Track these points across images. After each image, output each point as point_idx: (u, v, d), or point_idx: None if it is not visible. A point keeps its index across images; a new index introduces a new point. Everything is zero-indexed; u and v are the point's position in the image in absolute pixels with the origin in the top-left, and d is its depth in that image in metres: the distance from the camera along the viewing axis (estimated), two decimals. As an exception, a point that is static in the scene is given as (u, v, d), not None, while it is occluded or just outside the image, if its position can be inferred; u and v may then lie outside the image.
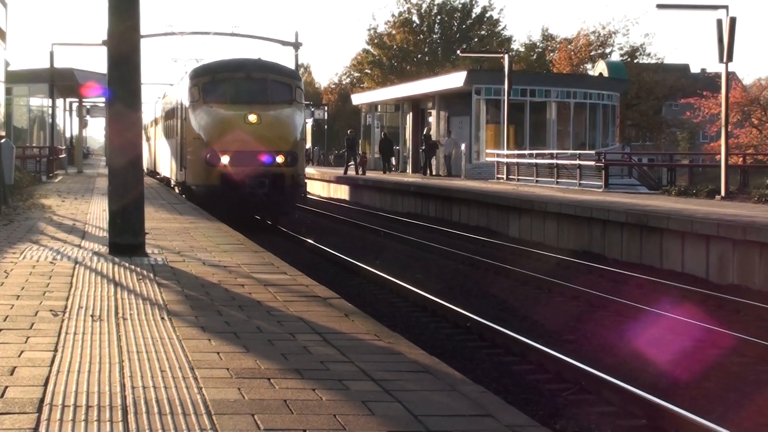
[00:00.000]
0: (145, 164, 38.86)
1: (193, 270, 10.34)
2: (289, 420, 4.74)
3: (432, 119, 45.24)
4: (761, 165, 40.75)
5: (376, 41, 74.51)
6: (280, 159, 22.70)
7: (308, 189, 30.45)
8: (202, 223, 16.66)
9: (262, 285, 9.35)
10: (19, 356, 6.02)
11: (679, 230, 17.39)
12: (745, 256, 15.69)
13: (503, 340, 10.87)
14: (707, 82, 61.49)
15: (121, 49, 11.68)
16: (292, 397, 5.16)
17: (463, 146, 40.22)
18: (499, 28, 74.07)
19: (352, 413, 4.89)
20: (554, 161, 32.71)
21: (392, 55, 73.72)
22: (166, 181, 32.45)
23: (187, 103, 24.49)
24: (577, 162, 30.96)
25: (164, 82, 63.90)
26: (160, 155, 36.21)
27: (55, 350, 6.21)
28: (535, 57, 71.78)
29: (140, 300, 8.30)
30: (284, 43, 44.09)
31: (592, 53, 62.09)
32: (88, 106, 54.00)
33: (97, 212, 18.21)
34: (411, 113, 47.95)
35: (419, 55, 73.48)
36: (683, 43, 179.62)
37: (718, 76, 42.11)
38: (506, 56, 38.84)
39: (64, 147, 47.50)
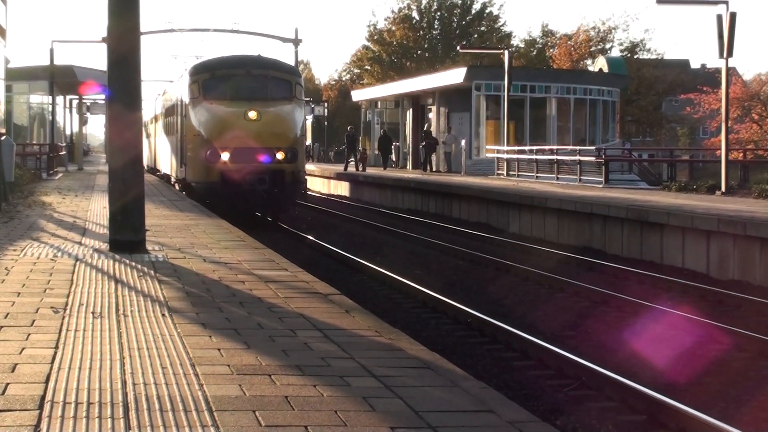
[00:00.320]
0: (145, 161, 38.84)
1: (193, 267, 10.34)
2: (290, 416, 4.74)
3: (432, 115, 45.22)
4: (761, 160, 40.67)
5: (375, 37, 74.44)
6: (280, 155, 22.69)
7: (308, 186, 30.44)
8: (203, 220, 16.66)
9: (263, 281, 9.35)
10: (20, 353, 6.03)
11: (679, 226, 17.39)
12: (746, 252, 15.69)
13: (504, 336, 10.87)
14: (707, 78, 61.41)
15: (121, 50, 11.68)
16: (293, 393, 5.16)
17: (463, 142, 40.21)
18: (499, 24, 73.98)
19: (353, 409, 4.89)
20: (554, 157, 32.71)
21: (392, 51, 73.65)
22: (166, 178, 32.44)
23: (187, 99, 24.48)
24: (578, 158, 30.97)
25: (164, 79, 63.86)
26: (160, 152, 36.20)
27: (56, 347, 6.21)
28: (535, 53, 71.71)
29: (141, 297, 8.30)
30: (284, 40, 44.06)
31: (592, 49, 62.09)
32: (88, 103, 53.97)
33: (97, 209, 18.22)
34: (411, 109, 47.94)
35: (419, 52, 73.42)
36: (683, 39, 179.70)
37: (718, 71, 42.03)
38: (506, 52, 38.83)
39: (64, 144, 47.49)
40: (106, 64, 12.01)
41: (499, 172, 36.67)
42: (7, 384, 5.23)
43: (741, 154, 39.60)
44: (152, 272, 9.82)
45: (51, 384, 5.24)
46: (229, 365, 5.78)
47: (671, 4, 28.33)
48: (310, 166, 42.94)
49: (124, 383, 5.29)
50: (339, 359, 6.03)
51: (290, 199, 24.03)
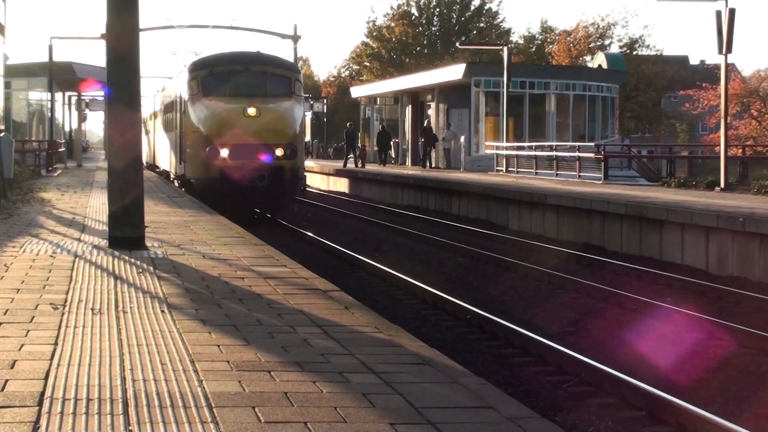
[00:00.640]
0: (144, 158, 38.85)
1: (193, 263, 10.34)
2: (289, 413, 4.74)
3: (431, 112, 45.21)
4: (760, 156, 40.71)
5: (375, 34, 74.46)
6: (279, 152, 22.69)
7: (308, 182, 30.43)
8: (202, 217, 16.66)
9: (262, 278, 9.35)
10: (20, 350, 6.02)
11: (678, 222, 17.39)
12: (745, 248, 15.69)
13: (503, 333, 10.87)
14: (706, 74, 61.41)
15: (121, 49, 11.66)
16: (293, 389, 5.16)
17: (462, 139, 40.21)
18: (498, 20, 74.04)
19: (352, 406, 4.89)
20: (554, 153, 32.70)
21: (391, 47, 73.68)
22: (165, 174, 32.43)
23: (186, 96, 24.47)
24: (577, 154, 30.95)
25: (163, 76, 63.87)
26: (159, 149, 36.20)
27: (56, 344, 6.21)
28: (534, 49, 71.72)
29: (140, 293, 8.30)
30: (283, 36, 44.05)
31: (591, 45, 62.09)
32: (87, 100, 53.94)
33: (96, 206, 18.21)
34: (410, 106, 47.93)
35: (418, 48, 73.45)
36: (682, 35, 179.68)
37: (717, 67, 42.07)
38: (505, 48, 38.79)
39: (63, 141, 47.47)
40: (105, 61, 12.00)
41: (498, 168, 36.66)
42: (7, 380, 5.22)
43: (740, 151, 39.62)
44: (152, 269, 9.82)
45: (50, 380, 5.24)
46: (228, 361, 5.78)
47: (670, 0, 28.28)
48: (309, 163, 42.94)
49: (123, 379, 5.29)
50: (338, 355, 6.03)
51: (289, 196, 24.03)
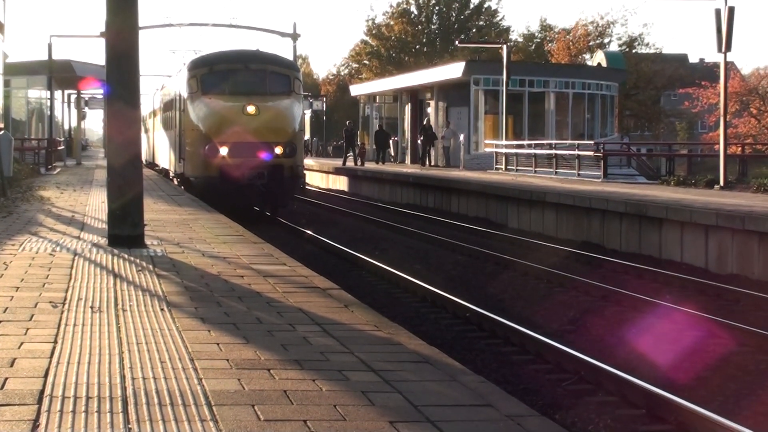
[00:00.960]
0: (144, 156, 38.80)
1: (192, 261, 10.34)
2: (289, 411, 4.74)
3: (431, 110, 45.21)
4: (760, 154, 40.69)
5: (374, 32, 74.48)
6: (278, 150, 22.69)
7: (307, 180, 30.43)
8: (201, 215, 16.65)
9: (262, 276, 9.35)
10: (19, 348, 6.02)
11: (678, 220, 17.39)
12: (744, 246, 15.69)
13: (503, 331, 10.87)
14: (706, 72, 61.47)
15: (120, 47, 11.67)
16: (292, 387, 5.16)
17: (461, 137, 40.20)
18: (498, 18, 74.06)
19: (352, 404, 4.89)
20: (553, 151, 32.69)
21: (390, 45, 73.70)
22: (164, 172, 32.43)
23: (185, 94, 24.47)
24: (576, 152, 30.95)
25: (162, 74, 63.81)
26: (158, 147, 36.19)
27: (55, 342, 6.21)
28: (533, 47, 71.73)
29: (140, 291, 8.30)
30: (282, 35, 44.00)
31: (591, 43, 62.05)
32: (87, 98, 53.94)
33: (95, 204, 18.21)
34: (409, 104, 47.93)
35: (417, 46, 73.46)
36: (681, 33, 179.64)
37: (716, 65, 42.08)
38: (504, 47, 38.81)
39: (62, 139, 47.45)
40: (104, 59, 12.00)
41: (497, 166, 36.65)
42: (6, 378, 5.22)
43: (739, 149, 39.63)
44: (151, 267, 9.82)
45: (50, 378, 5.24)
46: (228, 359, 5.78)
47: (670, -1, 28.35)
48: (308, 161, 42.94)
49: (123, 378, 5.29)
50: (338, 353, 6.03)
51: (289, 194, 24.03)
